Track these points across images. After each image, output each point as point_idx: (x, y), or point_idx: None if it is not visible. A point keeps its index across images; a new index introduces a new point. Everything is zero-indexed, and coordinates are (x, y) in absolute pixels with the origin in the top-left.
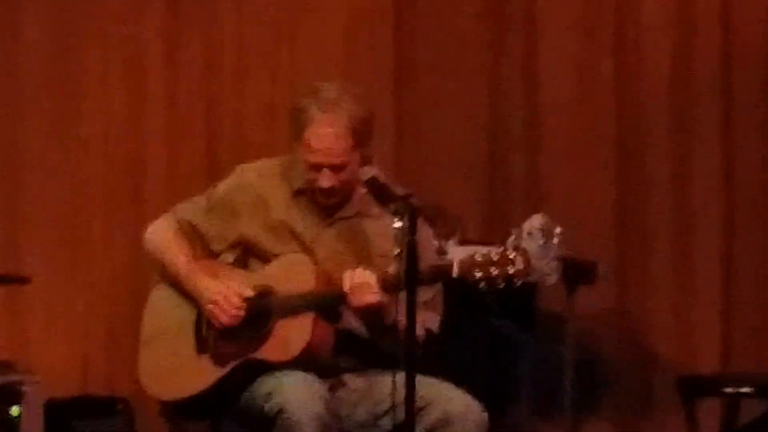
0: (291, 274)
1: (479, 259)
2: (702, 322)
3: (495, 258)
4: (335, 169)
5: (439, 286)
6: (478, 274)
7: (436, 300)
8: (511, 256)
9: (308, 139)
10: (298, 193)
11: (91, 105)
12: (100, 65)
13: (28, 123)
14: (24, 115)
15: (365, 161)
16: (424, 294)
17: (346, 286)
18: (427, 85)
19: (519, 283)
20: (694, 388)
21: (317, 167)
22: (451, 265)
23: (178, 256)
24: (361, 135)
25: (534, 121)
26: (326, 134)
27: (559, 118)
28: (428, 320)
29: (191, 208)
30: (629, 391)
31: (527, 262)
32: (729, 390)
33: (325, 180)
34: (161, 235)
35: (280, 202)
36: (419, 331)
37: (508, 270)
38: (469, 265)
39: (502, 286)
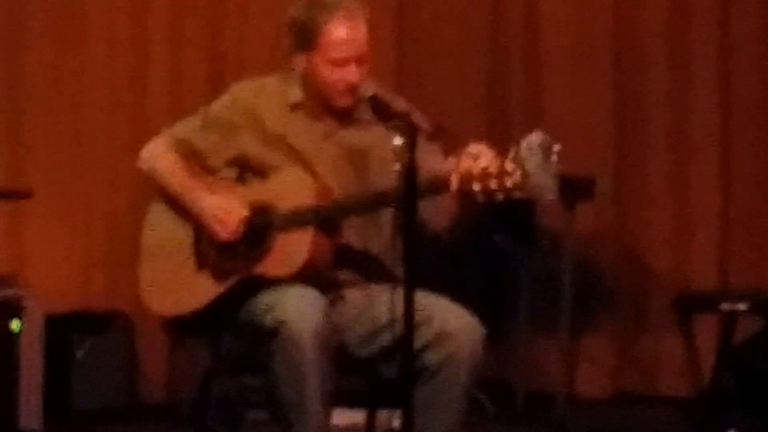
0: (289, 189)
1: (477, 171)
2: (699, 238)
3: (493, 171)
4: (360, 61)
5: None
6: (477, 187)
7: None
8: (509, 169)
9: (329, 36)
10: (294, 108)
11: (94, 22)
12: None
13: (30, 39)
14: (26, 31)
15: None
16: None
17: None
18: (431, 4)
19: (517, 195)
20: (691, 305)
21: (343, 62)
22: (450, 177)
23: (176, 174)
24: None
25: (534, 38)
26: (351, 25)
27: (559, 34)
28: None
29: (186, 127)
30: (626, 307)
31: (525, 174)
32: (726, 306)
33: (354, 74)
34: (157, 154)
35: (277, 117)
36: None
37: (506, 182)
38: (467, 177)
39: (500, 198)
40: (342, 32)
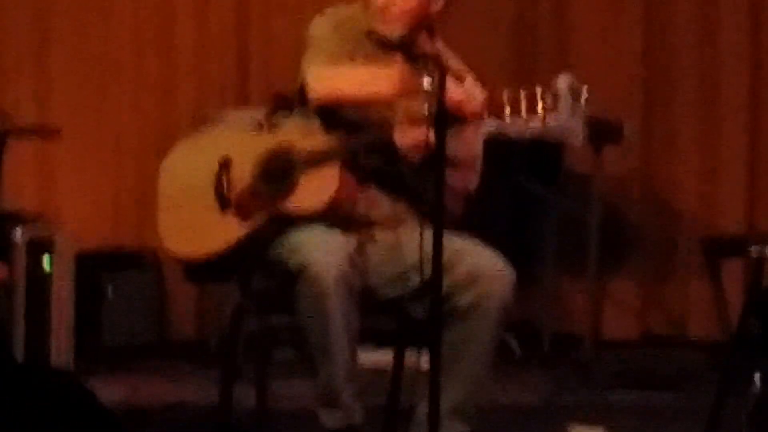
0: (308, 128)
1: (506, 97)
2: (727, 182)
3: (522, 97)
4: None
5: (479, 147)
6: (507, 110)
7: (476, 162)
8: (538, 94)
9: None
10: (368, 35)
11: None
12: None
13: None
14: None
15: (434, 12)
16: (465, 155)
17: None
18: None
19: (548, 122)
20: (718, 249)
21: None
22: (480, 108)
23: (353, 81)
24: None
25: None
26: None
27: None
28: (467, 179)
29: (319, 55)
30: (653, 250)
31: (554, 102)
32: (754, 250)
33: None
34: (325, 77)
35: (356, 41)
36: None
37: (536, 108)
38: (497, 104)
39: (531, 127)
40: None
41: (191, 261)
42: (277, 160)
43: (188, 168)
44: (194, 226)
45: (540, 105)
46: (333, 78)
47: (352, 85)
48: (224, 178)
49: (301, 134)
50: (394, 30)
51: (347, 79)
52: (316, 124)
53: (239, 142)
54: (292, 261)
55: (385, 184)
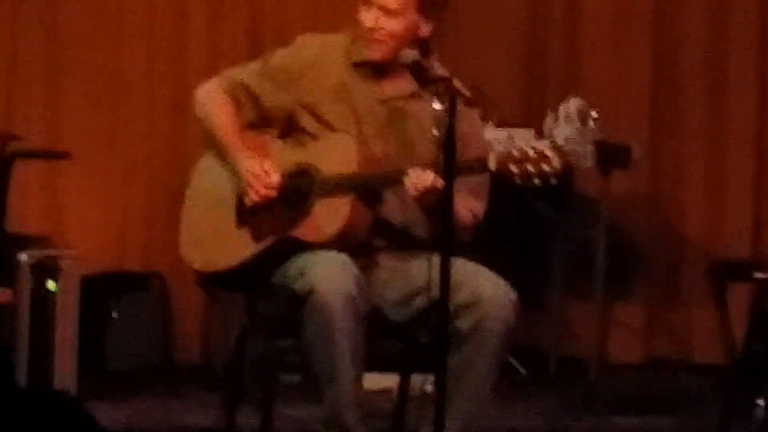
0: (335, 153)
1: (516, 154)
2: (734, 207)
3: (532, 155)
4: (387, 12)
5: (485, 174)
6: (515, 170)
7: (483, 187)
8: (548, 154)
9: None
10: (357, 66)
11: None
12: None
13: (69, 1)
14: None
15: (422, 37)
16: (471, 181)
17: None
18: None
19: (555, 181)
20: (724, 273)
21: (367, 3)
22: (487, 159)
23: (224, 127)
24: (425, 1)
25: (573, 4)
26: None
27: (598, 2)
28: (474, 207)
29: (245, 71)
30: (660, 274)
31: (564, 161)
32: (759, 275)
33: (369, 18)
34: (211, 100)
35: (339, 71)
36: (467, 217)
37: (544, 168)
38: (505, 159)
39: (537, 183)
40: None
41: (199, 271)
42: (297, 181)
43: (218, 175)
44: (209, 236)
45: (548, 167)
46: (218, 112)
47: (218, 134)
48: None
49: (329, 156)
50: (367, 51)
51: (220, 126)
52: (342, 149)
53: (270, 154)
54: (299, 284)
55: (396, 213)
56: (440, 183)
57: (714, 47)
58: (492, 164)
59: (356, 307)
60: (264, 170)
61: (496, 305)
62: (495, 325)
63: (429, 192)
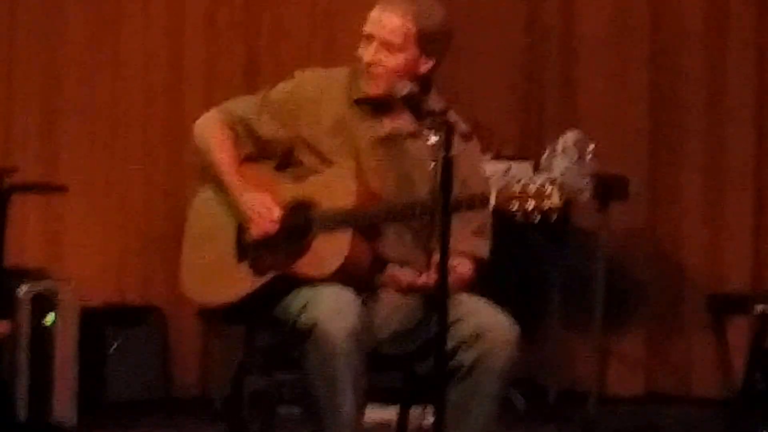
0: (334, 188)
1: (517, 190)
2: (733, 240)
3: (532, 191)
4: (388, 46)
5: (487, 212)
6: (515, 207)
7: (486, 227)
8: (548, 191)
9: (367, 17)
10: (357, 102)
11: (129, 18)
12: None
13: (66, 35)
14: (63, 28)
15: (422, 73)
16: (473, 221)
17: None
18: (465, 3)
19: (554, 218)
20: (723, 306)
21: (367, 38)
22: (488, 195)
23: (223, 161)
24: (426, 38)
25: (569, 37)
26: (386, 9)
27: (594, 33)
28: (478, 247)
29: (244, 104)
30: (659, 306)
31: (564, 197)
32: (759, 308)
33: (368, 52)
34: (210, 132)
35: (339, 107)
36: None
37: (544, 204)
38: (506, 195)
39: (537, 220)
40: (376, 12)
41: (199, 305)
42: (297, 216)
43: (217, 209)
44: (209, 270)
45: (548, 203)
46: (216, 144)
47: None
48: (246, 227)
49: (328, 190)
50: (365, 85)
51: (219, 160)
52: (341, 184)
53: (269, 188)
54: (302, 319)
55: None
56: (422, 281)
57: (712, 80)
58: (492, 200)
59: (359, 341)
60: (264, 205)
61: (499, 339)
62: (498, 359)
63: (416, 289)
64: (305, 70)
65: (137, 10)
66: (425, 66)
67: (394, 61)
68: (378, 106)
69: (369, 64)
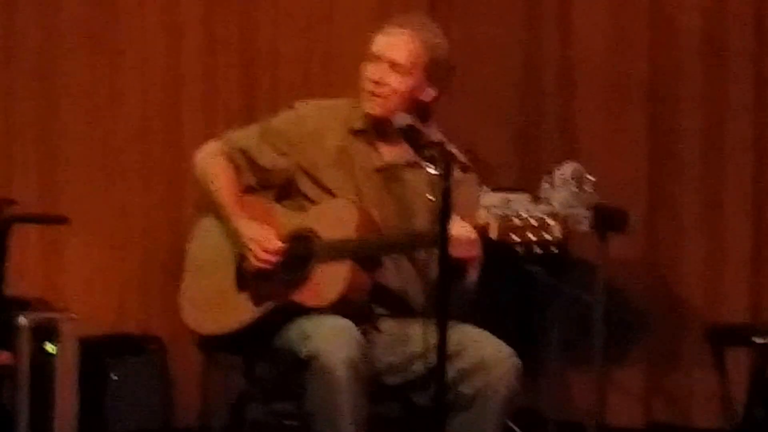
0: (334, 219)
1: (517, 223)
2: (732, 271)
3: (533, 223)
4: (395, 67)
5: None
6: (516, 238)
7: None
8: (550, 223)
9: (376, 36)
10: (356, 133)
11: (127, 49)
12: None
13: (64, 66)
14: (61, 57)
15: (424, 102)
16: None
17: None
18: (461, 31)
19: (555, 250)
20: (723, 338)
21: (374, 57)
22: (488, 227)
23: (224, 192)
24: (434, 67)
25: (567, 69)
26: (396, 32)
27: (593, 66)
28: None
29: (244, 135)
30: (658, 338)
31: (565, 230)
32: (758, 340)
33: (373, 71)
34: (211, 163)
35: (339, 138)
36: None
37: (545, 237)
38: (506, 228)
39: (538, 251)
40: (387, 33)
41: (198, 334)
42: (297, 246)
43: (218, 238)
44: (209, 299)
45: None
46: (216, 174)
47: (217, 197)
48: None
49: (328, 221)
50: (368, 106)
51: (218, 189)
52: (341, 214)
53: (269, 218)
54: (302, 349)
55: (393, 278)
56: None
57: (710, 112)
58: (493, 233)
59: (359, 371)
60: (265, 237)
61: (500, 370)
62: (499, 390)
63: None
64: (306, 102)
65: (135, 37)
66: (428, 95)
67: (400, 83)
68: (376, 134)
69: (375, 84)
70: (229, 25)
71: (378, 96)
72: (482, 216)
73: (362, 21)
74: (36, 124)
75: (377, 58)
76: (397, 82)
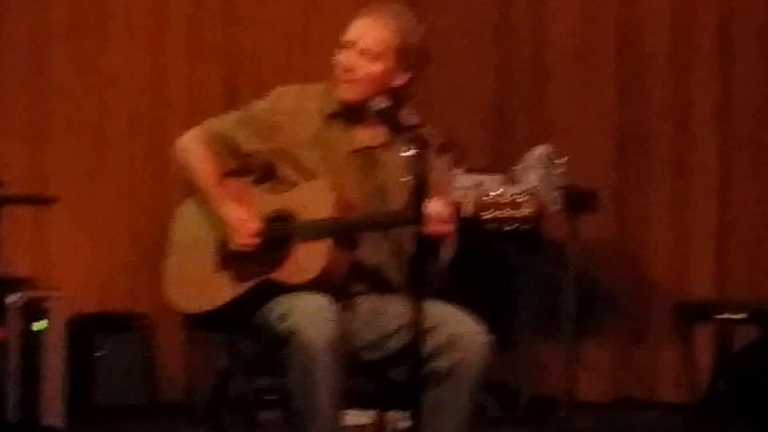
0: (312, 200)
1: (490, 201)
2: (698, 249)
3: (505, 202)
4: (366, 53)
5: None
6: (488, 216)
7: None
8: (521, 202)
9: (347, 27)
10: (332, 116)
11: (115, 35)
12: None
13: (54, 48)
14: (50, 41)
15: (396, 86)
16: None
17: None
18: (436, 15)
19: (527, 227)
20: (688, 314)
21: (345, 44)
22: (461, 205)
23: (205, 176)
24: (405, 52)
25: (539, 55)
26: (368, 19)
27: (564, 52)
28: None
29: (223, 121)
30: (627, 315)
31: (536, 208)
32: (723, 316)
33: (345, 56)
34: (192, 149)
35: (315, 120)
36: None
37: (516, 214)
38: (479, 206)
39: (510, 229)
40: (359, 20)
41: (182, 313)
42: (277, 227)
43: (200, 219)
44: (191, 279)
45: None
46: (197, 159)
47: (198, 181)
48: (228, 237)
49: (307, 202)
50: (341, 91)
51: (200, 173)
52: (319, 195)
53: (249, 201)
54: (282, 326)
55: (370, 256)
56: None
57: (677, 96)
58: (466, 211)
59: (337, 347)
60: (245, 218)
61: (473, 347)
62: (472, 367)
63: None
64: (283, 86)
65: (121, 31)
66: (400, 79)
67: (372, 68)
68: (352, 117)
69: (346, 70)
70: (215, 16)
71: (350, 81)
72: (456, 195)
73: (343, 10)
74: (25, 110)
75: (349, 45)
76: (368, 68)
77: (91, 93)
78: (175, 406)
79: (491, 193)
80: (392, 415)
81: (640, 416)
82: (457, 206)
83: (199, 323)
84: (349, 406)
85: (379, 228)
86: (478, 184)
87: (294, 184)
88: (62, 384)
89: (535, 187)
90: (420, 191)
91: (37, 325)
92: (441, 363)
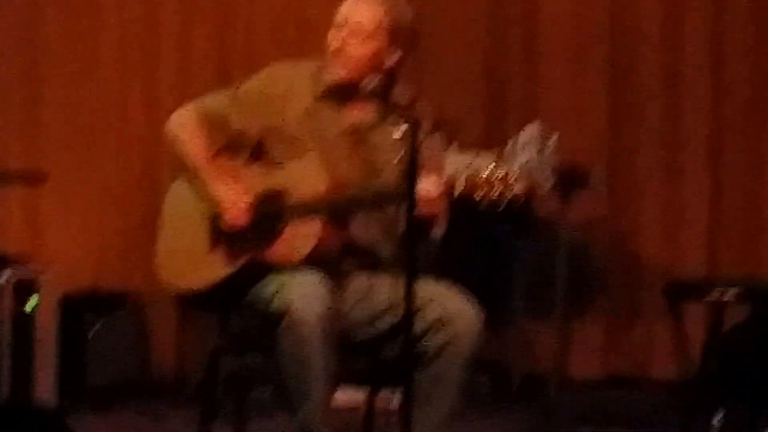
0: (304, 178)
1: (481, 179)
2: (690, 228)
3: (497, 180)
4: (358, 33)
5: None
6: (480, 194)
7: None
8: (512, 179)
9: (339, 7)
10: (324, 93)
11: (108, 13)
12: None
13: (46, 28)
14: (42, 21)
15: (388, 66)
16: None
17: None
18: None
19: (518, 205)
20: (680, 293)
21: (338, 25)
22: (453, 184)
23: (196, 155)
24: (396, 31)
25: (531, 32)
26: (362, 2)
27: (556, 28)
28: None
29: (216, 99)
30: (618, 293)
31: (527, 185)
32: (714, 295)
33: (336, 38)
34: (183, 126)
35: (307, 98)
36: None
37: (508, 192)
38: (470, 184)
39: (502, 207)
40: (350, 1)
41: (174, 291)
42: (269, 205)
43: (192, 197)
44: (184, 257)
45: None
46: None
47: (189, 158)
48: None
49: (298, 180)
50: (331, 71)
51: (191, 151)
52: (311, 173)
53: (241, 178)
54: (275, 304)
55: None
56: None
57: (669, 72)
58: (458, 189)
59: (330, 326)
60: (237, 197)
61: (465, 325)
62: (463, 345)
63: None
64: (275, 63)
65: (114, 9)
66: (392, 58)
67: (363, 49)
68: (343, 96)
69: (338, 50)
70: None
71: (342, 60)
72: (447, 173)
73: None
74: (18, 89)
75: (340, 25)
76: (359, 48)
77: (84, 71)
78: (168, 384)
79: (483, 172)
80: (384, 394)
81: (631, 394)
82: (449, 184)
83: (192, 301)
84: (341, 384)
85: (371, 206)
86: (470, 162)
87: (285, 162)
88: (54, 362)
89: (527, 164)
90: (412, 169)
91: (29, 303)
92: (432, 341)
